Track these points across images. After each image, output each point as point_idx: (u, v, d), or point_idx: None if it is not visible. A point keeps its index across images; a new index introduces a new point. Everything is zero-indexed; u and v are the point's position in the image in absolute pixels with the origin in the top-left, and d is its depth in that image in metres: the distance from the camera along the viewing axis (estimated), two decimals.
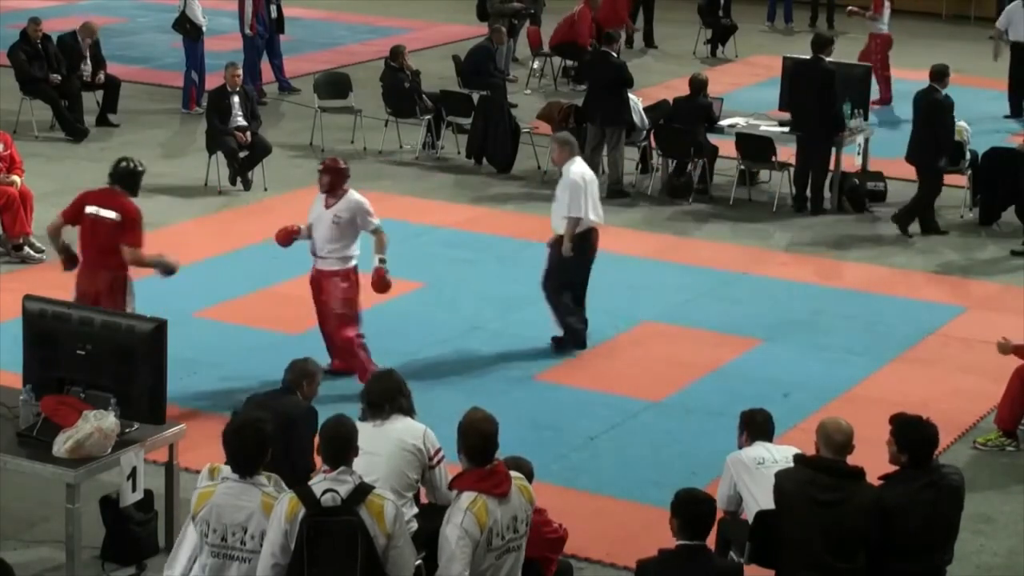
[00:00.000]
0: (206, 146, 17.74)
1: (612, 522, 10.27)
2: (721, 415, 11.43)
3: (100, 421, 8.86)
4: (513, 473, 7.64)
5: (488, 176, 18.40)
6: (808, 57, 17.76)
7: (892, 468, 8.28)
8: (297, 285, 12.80)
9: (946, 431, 10.10)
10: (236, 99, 17.67)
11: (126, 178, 11.43)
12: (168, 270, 11.55)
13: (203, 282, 14.31)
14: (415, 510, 8.34)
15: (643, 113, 18.23)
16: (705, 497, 7.85)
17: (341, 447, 7.39)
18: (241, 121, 17.60)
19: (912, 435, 8.24)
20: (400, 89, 19.20)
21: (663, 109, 18.36)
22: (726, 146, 17.99)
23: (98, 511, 9.49)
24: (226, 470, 7.58)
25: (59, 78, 19.41)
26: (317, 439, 7.70)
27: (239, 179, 17.56)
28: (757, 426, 8.97)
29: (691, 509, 7.68)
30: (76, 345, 9.16)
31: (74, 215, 11.46)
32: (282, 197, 17.02)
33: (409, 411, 8.50)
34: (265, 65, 21.77)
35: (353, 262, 12.06)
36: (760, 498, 8.47)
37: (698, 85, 17.80)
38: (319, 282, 12.12)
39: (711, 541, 7.88)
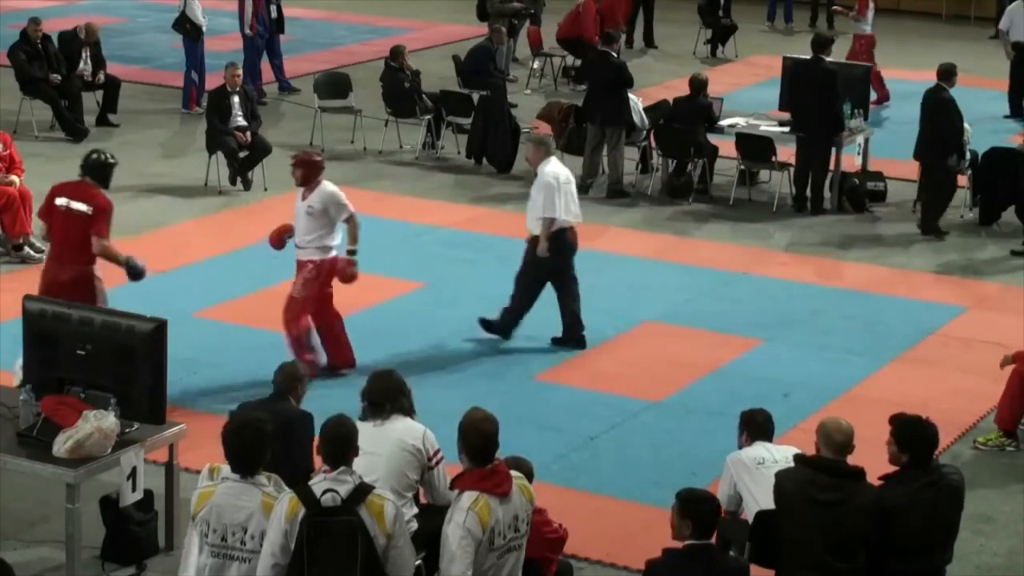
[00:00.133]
0: (206, 146, 17.73)
1: (612, 522, 10.26)
2: (721, 415, 11.43)
3: (100, 421, 8.87)
4: (513, 473, 7.63)
5: (488, 176, 18.40)
6: (808, 57, 17.76)
7: (892, 468, 8.27)
8: None
9: (946, 431, 10.10)
10: (236, 99, 17.66)
11: (97, 170, 11.43)
12: (136, 272, 11.50)
13: (203, 282, 14.32)
14: (415, 510, 8.35)
15: (643, 113, 18.22)
16: (709, 496, 7.87)
17: (341, 447, 7.38)
18: (241, 121, 17.59)
19: (912, 435, 8.23)
20: (400, 89, 19.19)
21: (663, 109, 18.34)
22: (726, 146, 17.97)
23: (98, 511, 9.48)
24: (226, 470, 7.57)
25: (59, 78, 19.41)
26: (316, 441, 7.70)
27: (239, 179, 17.56)
28: (757, 426, 8.98)
29: (699, 508, 7.69)
30: (76, 345, 9.16)
31: (47, 210, 11.46)
32: (282, 197, 16.95)
33: (410, 411, 8.51)
34: (265, 65, 21.76)
35: (332, 252, 12.10)
36: (760, 498, 8.47)
37: (698, 85, 17.79)
38: (297, 272, 12.20)
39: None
